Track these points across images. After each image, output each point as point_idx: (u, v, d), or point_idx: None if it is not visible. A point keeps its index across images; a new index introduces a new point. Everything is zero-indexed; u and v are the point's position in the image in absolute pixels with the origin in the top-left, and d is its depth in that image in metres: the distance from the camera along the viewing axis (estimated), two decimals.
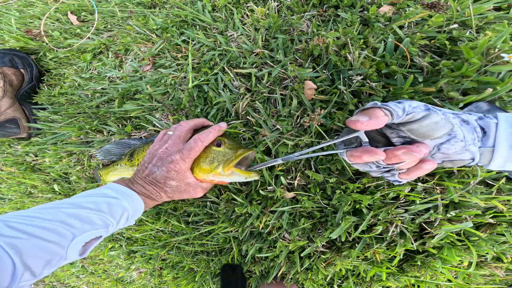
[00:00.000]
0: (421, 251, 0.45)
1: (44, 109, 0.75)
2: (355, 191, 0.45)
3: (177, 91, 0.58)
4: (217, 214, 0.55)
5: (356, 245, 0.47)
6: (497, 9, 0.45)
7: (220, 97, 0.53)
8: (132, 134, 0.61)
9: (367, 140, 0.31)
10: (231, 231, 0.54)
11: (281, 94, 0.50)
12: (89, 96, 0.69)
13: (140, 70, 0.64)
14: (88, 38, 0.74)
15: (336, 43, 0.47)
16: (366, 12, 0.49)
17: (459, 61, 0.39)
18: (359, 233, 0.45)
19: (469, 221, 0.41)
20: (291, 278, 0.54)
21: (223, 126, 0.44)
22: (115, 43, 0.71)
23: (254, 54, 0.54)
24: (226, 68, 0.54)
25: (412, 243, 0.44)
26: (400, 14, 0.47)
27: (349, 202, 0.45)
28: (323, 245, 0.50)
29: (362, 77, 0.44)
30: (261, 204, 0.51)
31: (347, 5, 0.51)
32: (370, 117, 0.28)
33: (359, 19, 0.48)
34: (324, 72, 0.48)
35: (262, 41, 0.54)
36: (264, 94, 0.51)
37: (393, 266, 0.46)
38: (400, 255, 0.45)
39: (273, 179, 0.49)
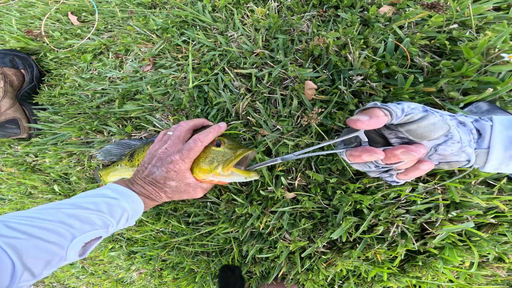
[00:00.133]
0: (422, 251, 0.45)
1: (44, 109, 0.75)
2: (355, 192, 0.45)
3: (177, 92, 0.58)
4: (218, 215, 0.55)
5: (357, 245, 0.46)
6: (497, 9, 0.45)
7: (221, 98, 0.53)
8: (133, 134, 0.61)
9: (366, 139, 0.31)
10: (232, 232, 0.54)
11: (281, 94, 0.50)
12: (90, 96, 0.69)
13: (140, 71, 0.64)
14: (89, 38, 0.74)
15: (336, 43, 0.47)
16: (366, 12, 0.49)
17: (459, 61, 0.39)
18: (360, 234, 0.45)
19: (470, 221, 0.41)
20: (292, 279, 0.53)
21: (222, 126, 0.44)
22: (116, 43, 0.71)
23: (255, 54, 0.54)
24: (227, 69, 0.54)
25: (413, 244, 0.43)
26: (400, 14, 0.47)
27: (350, 203, 0.44)
28: (323, 246, 0.50)
29: (362, 77, 0.44)
30: (261, 205, 0.51)
31: (347, 5, 0.51)
32: (371, 117, 0.28)
33: (359, 19, 0.48)
34: (324, 72, 0.48)
35: (262, 41, 0.54)
36: (265, 95, 0.51)
37: (394, 266, 0.46)
38: (401, 256, 0.45)
39: (274, 179, 0.49)
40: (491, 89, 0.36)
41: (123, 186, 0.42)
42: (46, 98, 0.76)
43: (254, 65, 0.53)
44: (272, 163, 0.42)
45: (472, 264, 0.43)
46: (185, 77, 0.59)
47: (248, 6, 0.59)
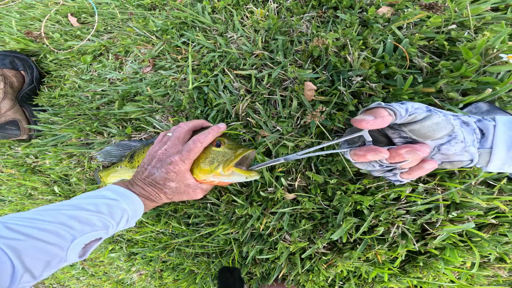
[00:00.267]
0: (423, 252, 0.45)
1: (44, 111, 0.75)
2: (356, 192, 0.45)
3: (177, 93, 0.58)
4: (218, 216, 0.55)
5: (358, 246, 0.46)
6: (495, 9, 0.45)
7: (220, 99, 0.53)
8: (132, 135, 0.62)
9: (371, 139, 0.31)
10: (232, 233, 0.54)
11: (281, 95, 0.50)
12: (89, 97, 0.69)
13: (140, 72, 0.64)
14: (88, 40, 0.74)
15: (336, 44, 0.47)
16: (365, 13, 0.49)
17: (458, 62, 0.39)
18: (360, 234, 0.45)
19: (471, 221, 0.41)
20: (292, 280, 0.53)
21: (222, 126, 0.44)
22: (115, 45, 0.71)
23: (254, 55, 0.54)
24: (226, 70, 0.55)
25: (414, 244, 0.43)
26: (399, 15, 0.47)
27: (350, 203, 0.44)
28: (324, 247, 0.50)
29: (361, 78, 0.44)
30: (261, 206, 0.50)
31: (346, 6, 0.51)
32: (375, 117, 0.28)
33: (358, 20, 0.48)
34: (324, 73, 0.48)
35: (262, 42, 0.54)
36: (264, 96, 0.51)
37: (395, 267, 0.46)
38: (402, 256, 0.45)
39: (274, 180, 0.49)
40: (490, 90, 0.37)
41: (123, 187, 0.42)
42: (46, 100, 0.76)
43: (254, 66, 0.53)
44: (275, 163, 0.41)
45: (473, 264, 0.43)
46: (184, 78, 0.59)
47: (247, 8, 0.59)
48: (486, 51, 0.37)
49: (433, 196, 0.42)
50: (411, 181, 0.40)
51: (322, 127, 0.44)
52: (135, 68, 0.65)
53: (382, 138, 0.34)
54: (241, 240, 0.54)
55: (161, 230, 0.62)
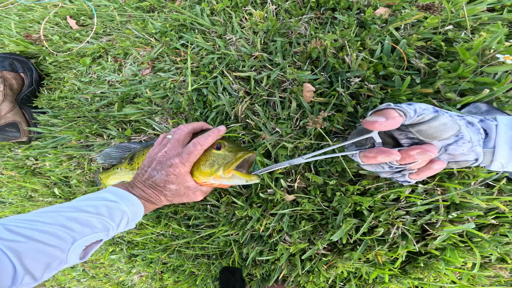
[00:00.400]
0: (423, 252, 0.45)
1: (44, 113, 0.75)
2: (355, 193, 0.45)
3: (176, 95, 0.59)
4: (218, 217, 0.55)
5: (358, 247, 0.46)
6: (491, 10, 0.45)
7: (220, 101, 0.53)
8: (132, 137, 0.62)
9: (380, 140, 0.31)
10: (232, 234, 0.54)
11: (280, 97, 0.50)
12: (89, 100, 0.69)
13: (139, 74, 0.65)
14: (88, 42, 0.75)
15: (334, 45, 0.47)
16: (362, 14, 0.50)
17: (455, 62, 0.39)
18: (360, 235, 0.45)
19: (471, 222, 0.41)
20: (293, 281, 0.53)
21: (222, 129, 0.45)
22: (114, 47, 0.71)
23: (253, 57, 0.54)
24: (225, 72, 0.55)
25: (414, 245, 0.43)
26: (396, 16, 0.47)
27: (350, 204, 0.44)
28: (324, 248, 0.50)
29: (360, 79, 0.44)
30: (261, 207, 0.51)
31: (344, 8, 0.52)
32: (387, 118, 0.28)
33: (356, 21, 0.49)
34: (322, 75, 0.48)
35: (260, 44, 0.54)
36: (263, 97, 0.51)
37: (395, 268, 0.46)
38: (402, 257, 0.45)
39: (273, 181, 0.49)
40: (488, 90, 0.37)
41: (123, 189, 0.42)
42: (45, 102, 0.76)
43: (253, 68, 0.53)
44: (280, 167, 0.41)
45: (474, 265, 0.43)
46: (184, 81, 0.59)
47: (246, 9, 0.59)
48: (483, 52, 0.37)
49: (433, 196, 0.42)
50: (420, 180, 0.40)
51: (323, 133, 0.45)
52: (134, 70, 0.65)
53: (388, 139, 0.34)
54: (241, 242, 0.54)
55: (161, 232, 0.62)
